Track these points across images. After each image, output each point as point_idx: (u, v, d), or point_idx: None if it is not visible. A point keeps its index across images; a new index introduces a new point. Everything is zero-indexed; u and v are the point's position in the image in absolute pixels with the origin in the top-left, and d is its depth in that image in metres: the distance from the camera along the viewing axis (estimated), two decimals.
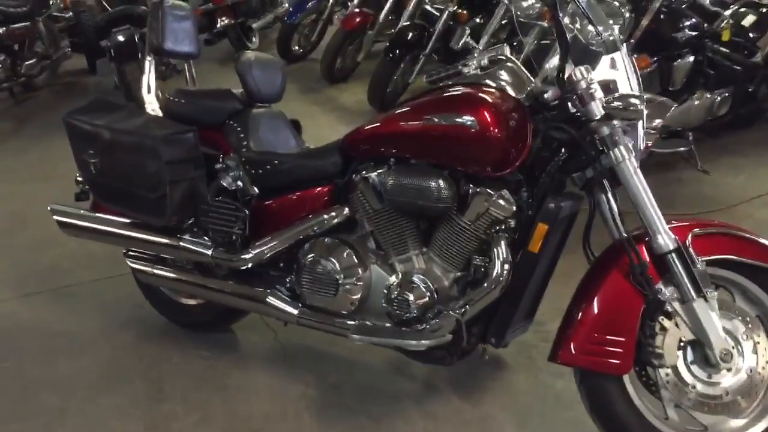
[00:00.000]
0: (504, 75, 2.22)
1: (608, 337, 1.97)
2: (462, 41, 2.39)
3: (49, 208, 2.81)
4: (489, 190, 2.13)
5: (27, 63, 6.15)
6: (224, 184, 2.53)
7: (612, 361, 1.97)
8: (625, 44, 2.06)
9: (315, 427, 2.38)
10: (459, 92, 2.19)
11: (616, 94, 1.93)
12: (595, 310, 2.00)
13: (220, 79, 7.08)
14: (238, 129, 2.58)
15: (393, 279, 2.29)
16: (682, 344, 1.98)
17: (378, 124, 2.32)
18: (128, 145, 2.44)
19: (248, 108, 2.65)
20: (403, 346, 2.17)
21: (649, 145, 2.13)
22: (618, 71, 2.02)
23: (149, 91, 2.81)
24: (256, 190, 2.52)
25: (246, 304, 2.51)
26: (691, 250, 1.94)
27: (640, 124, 1.99)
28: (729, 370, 1.95)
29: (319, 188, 2.45)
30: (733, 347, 1.95)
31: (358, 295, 2.31)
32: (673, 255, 1.94)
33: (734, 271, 2.02)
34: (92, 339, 2.93)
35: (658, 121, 2.13)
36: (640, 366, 2.01)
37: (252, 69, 2.62)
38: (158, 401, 2.54)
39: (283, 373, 2.64)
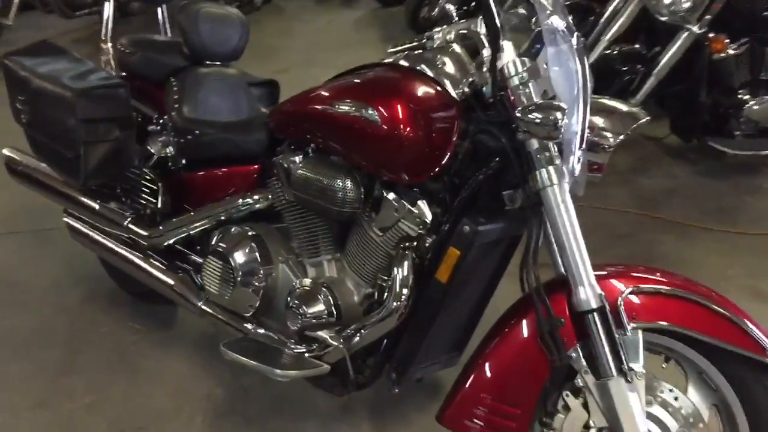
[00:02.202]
0: (444, 59, 1.78)
1: (501, 405, 1.56)
2: (438, 8, 1.94)
3: (2, 151, 2.67)
4: (402, 199, 1.74)
5: None
6: (151, 150, 2.28)
7: None
8: (578, 37, 1.57)
9: None
10: (375, 77, 1.80)
11: (538, 102, 1.46)
12: (491, 371, 1.58)
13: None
14: (175, 89, 2.30)
15: (297, 283, 1.96)
16: (590, 430, 1.53)
17: (297, 100, 1.97)
18: (50, 96, 2.20)
19: (194, 66, 2.36)
20: (267, 374, 1.83)
21: (598, 166, 1.64)
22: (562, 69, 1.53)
23: (105, 38, 2.59)
24: (183, 161, 2.24)
25: (154, 284, 2.26)
26: (621, 310, 1.48)
27: (574, 143, 1.51)
28: None
29: (247, 167, 2.15)
30: None
31: (258, 296, 2.01)
32: (594, 315, 1.48)
33: (689, 345, 1.54)
34: (41, 293, 2.81)
35: (614, 138, 1.63)
36: None
37: (198, 22, 2.31)
38: (64, 374, 2.38)
39: (202, 363, 2.39)
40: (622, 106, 1.66)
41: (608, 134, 1.61)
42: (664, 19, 3.17)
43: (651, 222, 3.20)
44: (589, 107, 1.54)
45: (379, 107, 1.66)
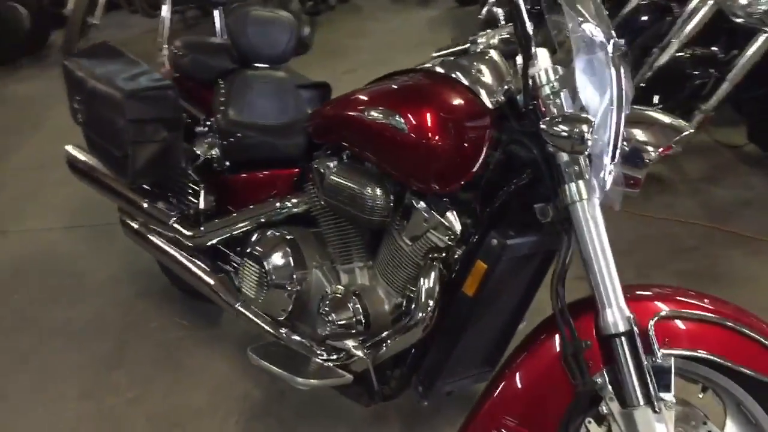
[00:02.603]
0: (480, 66, 1.72)
1: (520, 428, 1.50)
2: (486, 8, 1.82)
3: (66, 148, 2.77)
4: (431, 209, 1.70)
5: None
6: (198, 151, 2.31)
7: None
8: (617, 45, 1.49)
9: None
10: (406, 84, 1.76)
11: (565, 114, 1.39)
12: (512, 392, 1.52)
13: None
14: (222, 91, 2.32)
15: (329, 289, 1.95)
16: None
17: (333, 105, 1.95)
18: (102, 96, 2.26)
19: (242, 68, 2.37)
20: (289, 382, 1.82)
21: (635, 181, 1.55)
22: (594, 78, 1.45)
23: (162, 39, 2.65)
24: (227, 162, 2.26)
25: (196, 283, 2.29)
26: (652, 335, 1.39)
27: (605, 156, 1.43)
28: None
29: (288, 170, 2.15)
30: None
31: (291, 300, 2.00)
32: (622, 339, 1.40)
33: (727, 375, 1.44)
34: (98, 286, 2.91)
35: (654, 151, 1.53)
36: None
37: (246, 25, 2.33)
38: (112, 367, 2.45)
39: (243, 364, 2.40)
40: (664, 118, 1.56)
41: (648, 147, 1.52)
42: (740, 20, 2.99)
43: (720, 235, 3.02)
44: (627, 119, 1.47)
45: (408, 115, 1.62)
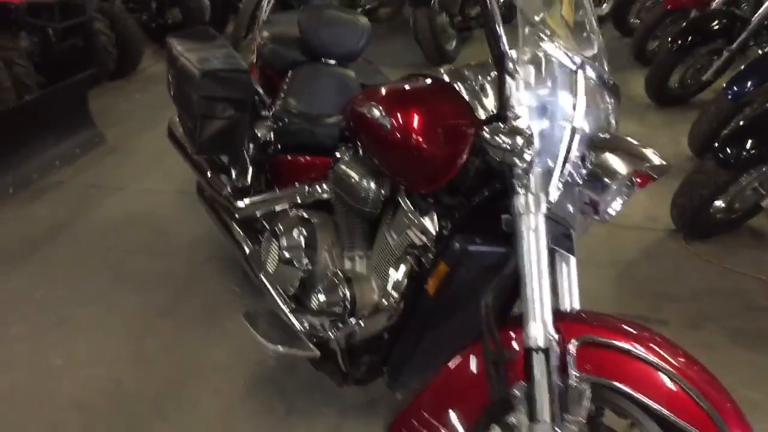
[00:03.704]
0: (479, 77, 1.77)
1: (437, 424, 1.54)
2: None
3: (170, 117, 3.09)
4: (414, 208, 1.77)
5: None
6: (257, 132, 2.51)
7: None
8: (592, 68, 1.50)
9: (234, 397, 2.31)
10: (404, 86, 1.84)
11: (509, 126, 1.42)
12: (437, 391, 1.57)
13: None
14: (287, 80, 2.52)
15: (329, 272, 2.07)
16: None
17: (354, 99, 2.06)
18: (185, 73, 2.54)
19: (312, 62, 2.55)
20: (261, 347, 1.95)
21: (593, 204, 1.52)
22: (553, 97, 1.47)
23: (258, 29, 2.88)
24: (278, 145, 2.45)
25: (234, 251, 2.49)
26: (570, 357, 1.39)
27: (554, 175, 1.44)
28: None
29: (324, 158, 2.29)
30: None
31: (298, 277, 2.14)
32: (539, 355, 1.40)
33: (649, 415, 1.40)
34: (178, 246, 3.21)
35: (612, 179, 1.48)
36: None
37: (317, 23, 2.51)
38: (160, 316, 2.72)
39: None
40: (647, 152, 1.51)
41: (610, 172, 1.48)
42: None
43: None
44: (603, 144, 1.48)
45: (395, 115, 1.71)
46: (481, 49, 6.74)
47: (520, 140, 1.37)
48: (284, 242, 2.15)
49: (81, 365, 2.45)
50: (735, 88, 3.41)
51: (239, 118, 2.47)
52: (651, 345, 1.42)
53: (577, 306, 1.58)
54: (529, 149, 1.39)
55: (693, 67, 4.75)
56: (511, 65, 1.48)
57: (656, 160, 1.49)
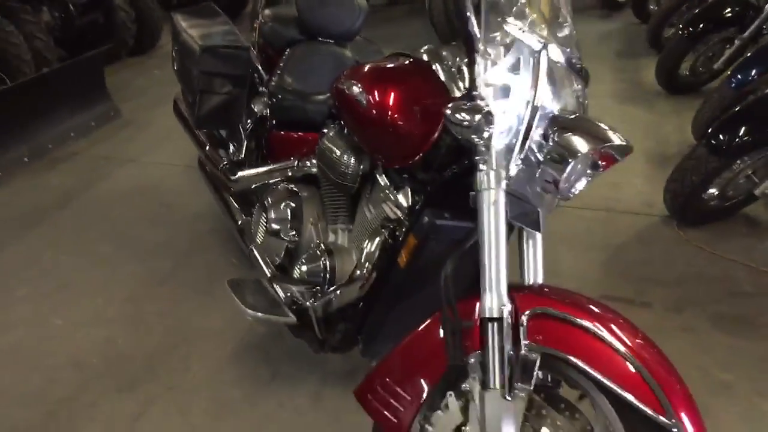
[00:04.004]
0: (457, 57, 1.82)
1: (398, 389, 1.60)
2: None
3: (176, 92, 3.18)
4: (389, 183, 1.84)
5: None
6: (254, 108, 2.59)
7: (390, 418, 1.60)
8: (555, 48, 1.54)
9: (222, 362, 2.40)
10: (383, 64, 1.89)
11: (470, 103, 1.47)
12: (400, 357, 1.63)
13: None
14: (284, 58, 2.58)
15: (314, 243, 2.14)
16: None
17: (339, 76, 2.12)
18: (187, 48, 2.62)
19: (309, 41, 2.62)
20: (240, 311, 2.03)
21: (554, 182, 1.57)
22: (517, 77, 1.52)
23: (261, 9, 2.95)
24: (273, 121, 2.52)
25: (228, 222, 2.58)
26: (522, 327, 1.45)
27: (514, 152, 1.49)
28: None
29: (315, 134, 2.36)
30: None
31: (283, 248, 2.22)
32: (493, 325, 1.46)
33: (600, 390, 1.45)
34: (182, 217, 3.32)
35: (571, 156, 1.53)
36: None
37: (312, 3, 2.56)
38: (159, 283, 2.83)
39: None
40: (611, 134, 1.55)
41: (569, 150, 1.53)
42: None
43: None
44: (566, 124, 1.52)
45: (373, 92, 1.76)
46: None
47: (478, 117, 1.43)
48: (271, 214, 2.23)
49: (79, 326, 2.57)
50: (739, 76, 3.41)
51: (238, 93, 2.54)
52: (607, 322, 1.46)
53: (540, 281, 1.64)
54: (488, 127, 1.44)
55: (704, 55, 4.73)
56: (478, 46, 1.52)
57: (617, 140, 1.53)
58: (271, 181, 2.42)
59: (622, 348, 1.40)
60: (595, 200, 3.44)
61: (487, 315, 1.46)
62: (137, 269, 2.90)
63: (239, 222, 2.51)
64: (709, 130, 2.80)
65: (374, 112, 1.75)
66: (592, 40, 6.52)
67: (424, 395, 1.57)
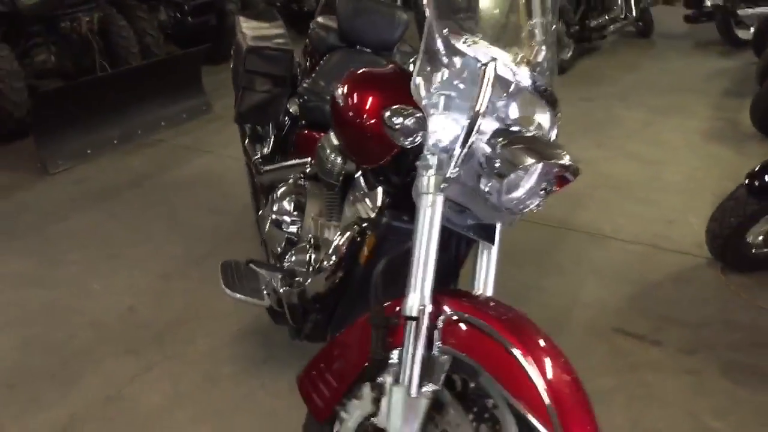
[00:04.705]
0: None
1: (326, 376, 1.68)
2: None
3: None
4: (365, 183, 1.93)
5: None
6: (290, 108, 2.74)
7: (317, 402, 1.69)
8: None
9: (225, 340, 2.55)
10: (365, 69, 1.95)
11: (404, 108, 1.53)
12: (334, 347, 1.71)
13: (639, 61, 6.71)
14: (321, 62, 2.72)
15: (310, 235, 2.25)
16: (369, 425, 1.56)
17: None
18: (238, 48, 2.82)
19: (346, 48, 2.74)
20: (222, 290, 2.16)
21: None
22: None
23: (316, 16, 3.11)
24: (303, 121, 2.66)
25: (254, 214, 2.74)
26: (437, 330, 1.49)
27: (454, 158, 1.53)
28: None
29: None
30: None
31: (283, 239, 2.34)
32: (411, 323, 1.52)
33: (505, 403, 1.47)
34: (234, 207, 3.53)
35: (509, 168, 1.53)
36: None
37: (353, 12, 2.68)
38: (194, 264, 3.03)
39: None
40: (550, 149, 1.56)
41: (508, 163, 1.55)
42: None
43: None
44: (521, 141, 1.54)
45: (351, 94, 1.84)
46: (602, 62, 6.65)
47: (410, 122, 1.49)
48: (275, 207, 2.36)
49: (112, 293, 2.81)
50: None
51: (277, 93, 2.70)
52: (524, 338, 1.46)
53: (489, 293, 1.66)
54: (419, 132, 1.50)
55: None
56: (435, 56, 1.58)
57: (563, 160, 1.54)
58: (291, 177, 2.56)
59: (527, 364, 1.40)
60: (644, 235, 3.34)
61: (407, 314, 1.51)
62: (178, 249, 3.12)
63: (259, 212, 2.66)
64: (752, 171, 2.67)
65: (348, 113, 1.83)
66: (702, 76, 6.26)
67: (348, 383, 1.63)
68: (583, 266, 3.08)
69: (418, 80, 1.55)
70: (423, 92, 1.54)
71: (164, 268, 2.99)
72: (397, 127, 1.50)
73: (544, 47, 1.73)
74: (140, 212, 3.48)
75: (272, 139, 2.72)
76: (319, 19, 2.95)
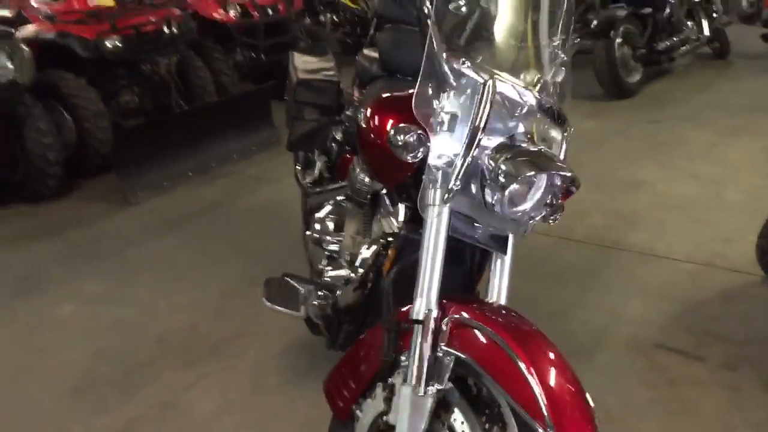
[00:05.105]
0: None
1: (347, 379, 1.81)
2: None
3: None
4: (388, 199, 2.06)
5: None
6: (336, 135, 2.92)
7: (338, 403, 1.81)
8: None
9: (274, 353, 2.71)
10: (387, 90, 2.09)
11: (403, 126, 1.65)
12: (354, 352, 1.84)
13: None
14: (363, 91, 2.88)
15: (347, 252, 2.39)
16: (381, 422, 1.66)
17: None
18: (289, 80, 3.02)
19: (388, 77, 2.89)
20: (265, 304, 2.33)
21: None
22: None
23: (366, 45, 3.28)
24: (347, 146, 2.82)
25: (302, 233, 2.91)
26: (443, 332, 1.59)
27: (454, 171, 1.63)
28: None
29: None
30: None
31: (323, 255, 2.49)
32: (418, 326, 1.62)
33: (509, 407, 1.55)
34: (291, 232, 3.64)
35: (508, 180, 1.61)
36: None
37: (392, 43, 2.82)
38: (250, 284, 3.20)
39: None
40: (547, 160, 1.64)
41: (507, 174, 1.63)
42: None
43: None
44: (513, 151, 1.64)
45: (372, 116, 1.98)
46: (673, 84, 6.55)
47: (412, 138, 1.61)
48: (317, 227, 2.52)
49: (177, 310, 3.03)
50: None
51: (324, 122, 2.88)
52: (522, 341, 1.53)
53: (503, 301, 1.75)
54: (420, 148, 1.62)
55: None
56: (437, 77, 1.70)
57: (561, 171, 1.62)
58: (336, 198, 2.72)
59: (527, 369, 1.45)
60: (698, 254, 3.31)
61: (414, 317, 1.62)
62: (239, 270, 3.33)
63: (306, 233, 2.82)
64: None
65: (369, 135, 1.96)
66: None
67: (365, 384, 1.75)
68: (630, 285, 3.09)
69: (419, 100, 1.67)
70: (425, 111, 1.66)
71: (225, 288, 3.19)
72: (399, 143, 1.62)
73: (552, 68, 1.83)
74: (207, 238, 3.72)
75: (320, 165, 2.88)
76: (365, 51, 3.12)
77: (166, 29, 4.84)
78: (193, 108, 4.83)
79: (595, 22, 5.82)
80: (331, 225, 2.49)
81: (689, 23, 6.60)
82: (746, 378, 2.44)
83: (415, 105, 1.66)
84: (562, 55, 1.85)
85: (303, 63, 3.04)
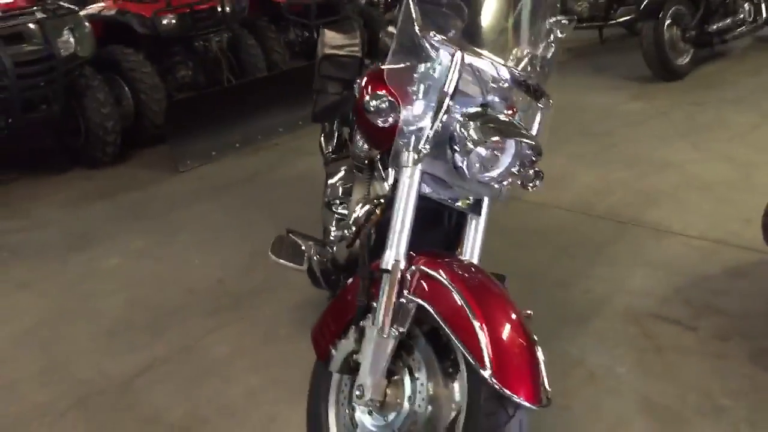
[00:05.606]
0: None
1: (329, 323, 2.00)
2: None
3: None
4: (381, 164, 2.23)
5: None
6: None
7: (321, 345, 2.00)
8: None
9: (289, 306, 2.93)
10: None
11: (378, 93, 1.81)
12: (337, 299, 2.03)
13: None
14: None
15: (355, 215, 2.58)
16: (352, 360, 1.85)
17: None
18: (316, 55, 3.22)
19: None
20: (270, 258, 2.54)
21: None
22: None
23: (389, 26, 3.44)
24: None
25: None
26: (406, 281, 1.76)
27: (423, 138, 1.78)
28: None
29: None
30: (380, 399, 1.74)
31: (333, 218, 2.68)
32: (387, 275, 1.80)
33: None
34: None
35: (472, 142, 1.74)
36: None
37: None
38: None
39: None
40: (512, 127, 1.77)
41: (474, 139, 1.77)
42: None
43: None
44: (483, 119, 1.80)
45: (366, 86, 2.15)
46: (725, 66, 6.44)
47: (383, 105, 1.78)
48: (329, 191, 2.71)
49: (208, 266, 3.30)
50: None
51: (346, 95, 3.07)
52: (479, 294, 1.67)
53: (476, 260, 1.91)
54: (391, 114, 1.78)
55: None
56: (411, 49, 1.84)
57: (524, 139, 1.76)
58: (347, 166, 2.90)
59: (476, 318, 1.60)
60: (713, 232, 3.35)
61: (382, 267, 1.80)
62: (269, 232, 3.50)
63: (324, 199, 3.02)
64: None
65: (359, 104, 2.14)
66: None
67: (342, 326, 1.94)
68: (637, 258, 3.17)
69: (391, 70, 1.82)
70: (397, 80, 1.82)
71: (254, 248, 3.43)
72: (372, 109, 1.79)
73: (532, 46, 1.95)
74: (245, 203, 3.98)
75: (342, 136, 3.06)
76: (389, 28, 3.28)
77: (219, 8, 5.10)
78: (242, 82, 5.09)
79: (644, 3, 5.79)
80: (340, 190, 2.67)
81: (746, 5, 6.45)
82: (736, 349, 2.50)
83: (387, 75, 1.82)
84: (540, 32, 1.97)
85: (330, 39, 3.22)
